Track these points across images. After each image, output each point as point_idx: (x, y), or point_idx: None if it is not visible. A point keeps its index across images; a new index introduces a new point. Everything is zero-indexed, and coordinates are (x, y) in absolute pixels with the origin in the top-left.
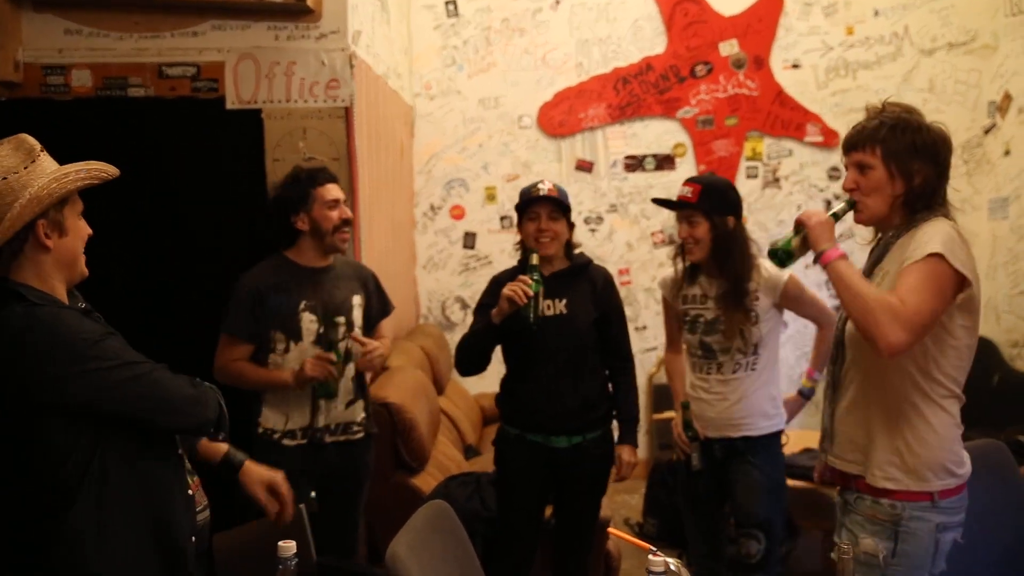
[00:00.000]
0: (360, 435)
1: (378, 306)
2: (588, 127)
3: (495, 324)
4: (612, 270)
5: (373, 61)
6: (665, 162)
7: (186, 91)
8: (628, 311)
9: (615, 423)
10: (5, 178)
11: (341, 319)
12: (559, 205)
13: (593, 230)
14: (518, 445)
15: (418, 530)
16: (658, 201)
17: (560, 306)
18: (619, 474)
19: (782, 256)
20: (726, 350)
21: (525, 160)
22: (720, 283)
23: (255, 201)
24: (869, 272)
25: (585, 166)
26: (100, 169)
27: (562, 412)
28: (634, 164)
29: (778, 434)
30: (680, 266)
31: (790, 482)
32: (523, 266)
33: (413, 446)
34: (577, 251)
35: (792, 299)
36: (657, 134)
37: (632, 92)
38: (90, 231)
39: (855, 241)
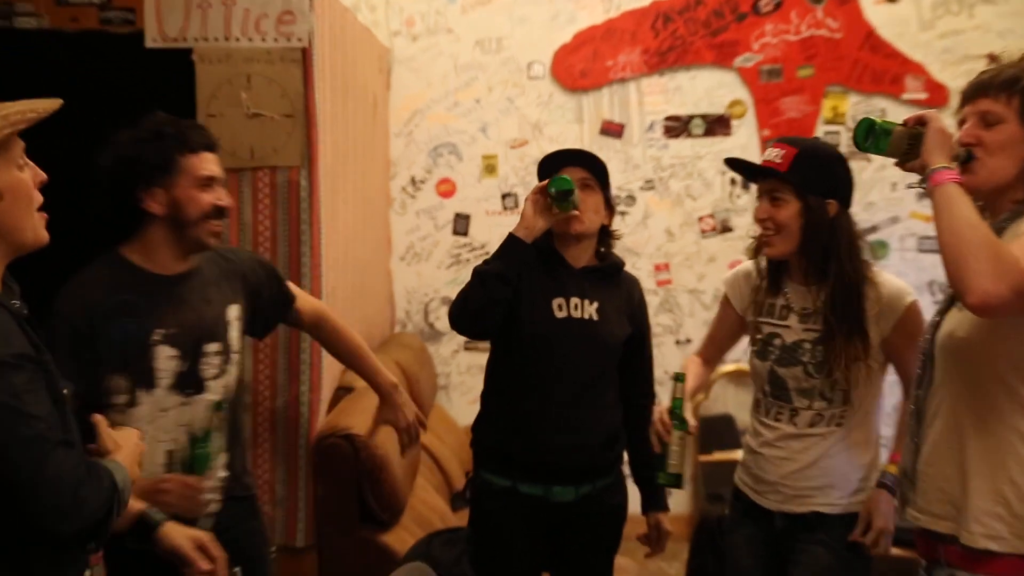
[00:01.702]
0: (214, 505)
1: (272, 301)
2: (618, 79)
3: (523, 242)
4: (647, 266)
5: None
6: (718, 125)
7: (92, 23)
8: (667, 320)
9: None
10: None
11: (214, 347)
12: (596, 168)
13: (623, 213)
14: (507, 501)
15: None
16: (734, 163)
17: (590, 309)
18: (654, 548)
19: (877, 135)
20: (805, 392)
21: (535, 120)
22: (817, 292)
23: None
24: None
25: (614, 130)
26: (35, 107)
27: (575, 448)
28: (677, 128)
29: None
30: (762, 264)
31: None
32: (551, 259)
33: (384, 492)
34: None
35: (906, 336)
36: (708, 88)
37: (676, 33)
38: (43, 176)
39: None
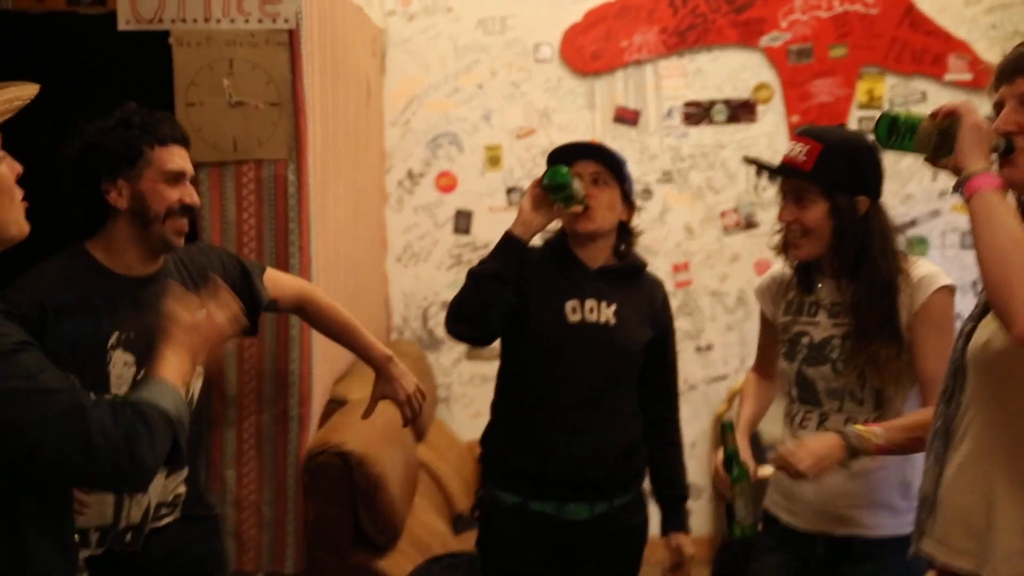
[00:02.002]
0: (168, 519)
1: (247, 306)
2: (633, 61)
3: (521, 240)
4: (665, 265)
5: None
6: (742, 111)
7: (59, 3)
8: (687, 324)
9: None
10: None
11: None
12: (610, 161)
13: (638, 208)
14: (518, 519)
15: None
16: (755, 163)
17: (607, 313)
18: (675, 574)
19: (902, 132)
20: (835, 392)
21: (543, 107)
22: (846, 287)
23: None
24: None
25: (628, 117)
26: (12, 96)
27: (590, 459)
28: (698, 114)
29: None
30: (791, 266)
31: None
32: (565, 259)
33: (380, 514)
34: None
35: (927, 323)
36: (731, 71)
37: (696, 10)
38: (20, 168)
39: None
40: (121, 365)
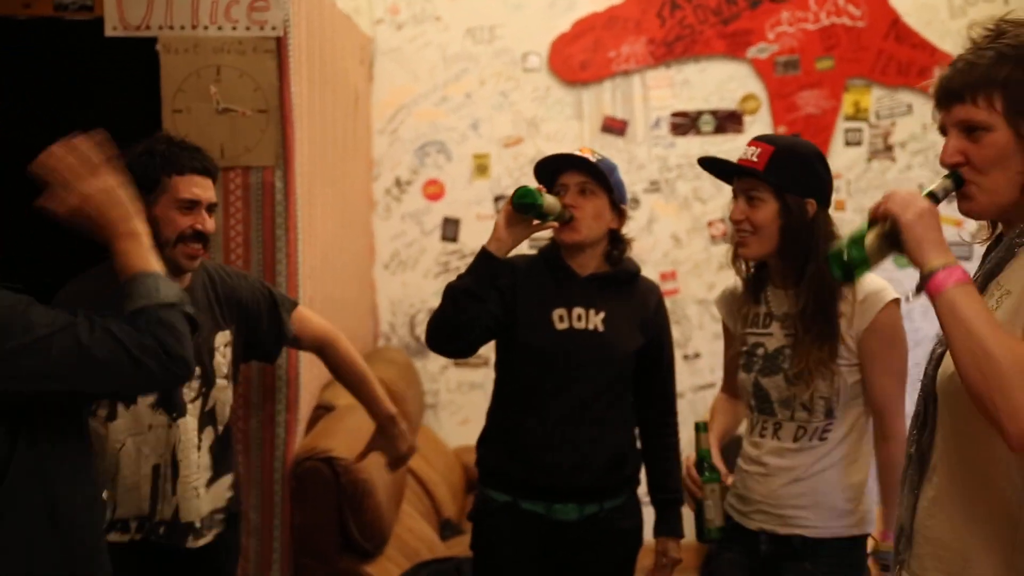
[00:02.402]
0: (221, 528)
1: (270, 334)
2: (621, 71)
3: (495, 257)
4: (653, 274)
5: None
6: (729, 121)
7: (46, 9)
8: (675, 332)
9: (642, 486)
10: None
11: (195, 371)
12: (596, 171)
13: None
14: (507, 518)
15: None
16: (708, 163)
17: (596, 320)
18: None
19: (853, 261)
20: (788, 403)
21: (531, 116)
22: (796, 296)
23: None
24: (981, 289)
25: (616, 126)
26: None
27: (576, 468)
28: (685, 124)
29: (857, 541)
30: (743, 273)
31: None
32: (555, 266)
33: (368, 520)
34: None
35: (877, 340)
36: (719, 82)
37: (683, 22)
38: None
39: (960, 235)
40: None
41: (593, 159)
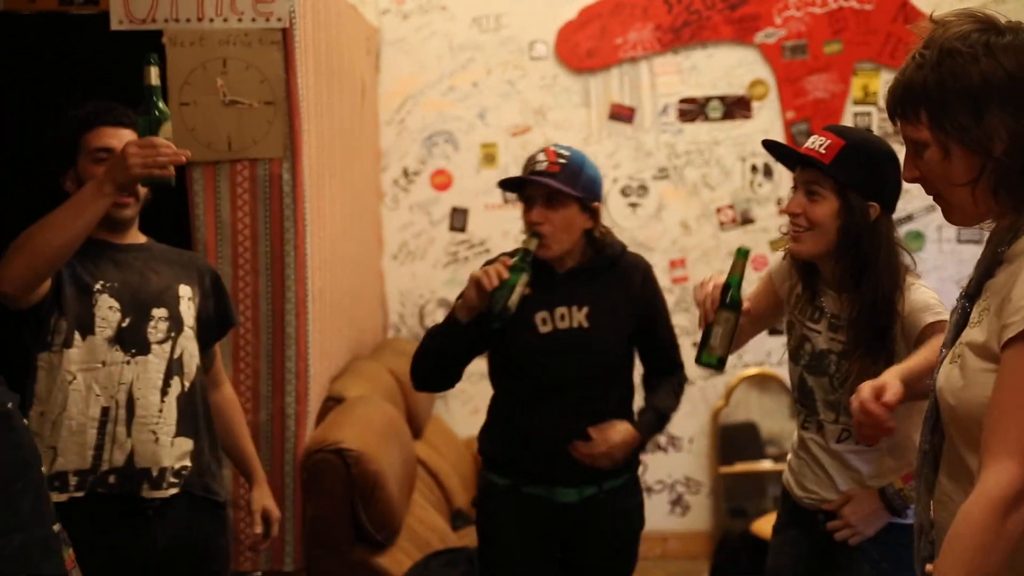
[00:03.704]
0: (172, 491)
1: (214, 317)
2: (628, 58)
3: (460, 322)
4: (662, 261)
5: None
6: (737, 107)
7: (51, 3)
8: (684, 320)
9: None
10: None
11: (160, 312)
12: (560, 187)
13: (634, 204)
14: (509, 501)
15: None
16: (773, 146)
17: (579, 317)
18: (591, 450)
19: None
20: (831, 405)
21: (538, 105)
22: (852, 302)
23: None
24: (976, 291)
25: (624, 114)
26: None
27: (576, 466)
28: (693, 111)
29: (906, 528)
30: (797, 263)
31: None
32: (537, 276)
33: (379, 511)
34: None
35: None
36: (726, 67)
37: (690, 7)
38: None
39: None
40: (106, 308)
41: (558, 163)
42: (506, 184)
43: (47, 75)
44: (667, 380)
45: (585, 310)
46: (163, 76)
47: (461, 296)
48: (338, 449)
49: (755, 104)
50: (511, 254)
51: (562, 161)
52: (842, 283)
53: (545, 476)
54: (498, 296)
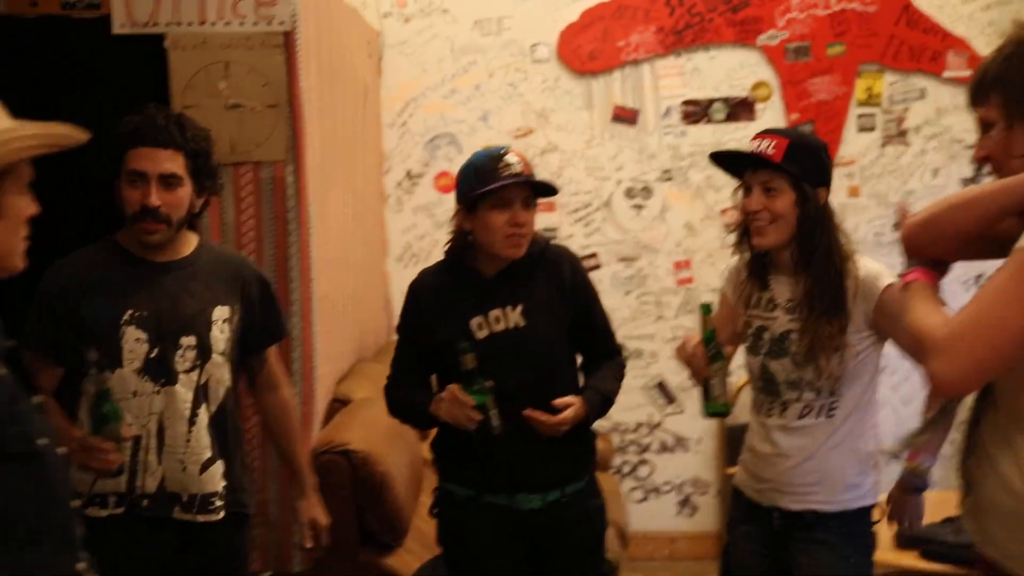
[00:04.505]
0: (218, 515)
1: (261, 324)
2: (630, 60)
3: (434, 418)
4: (667, 263)
5: None
6: (741, 109)
7: (53, 7)
8: (690, 321)
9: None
10: None
11: (189, 340)
12: (539, 189)
13: (639, 207)
14: (472, 511)
15: None
16: (721, 157)
17: (515, 316)
18: (550, 419)
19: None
20: (794, 384)
21: (541, 108)
22: (802, 282)
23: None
24: None
25: (627, 116)
26: (57, 135)
27: (534, 468)
28: (697, 113)
29: (865, 511)
30: (747, 257)
31: (932, 566)
32: (461, 274)
33: (387, 512)
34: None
35: (890, 317)
36: (729, 70)
37: (693, 10)
38: (34, 210)
39: None
40: (132, 341)
41: (532, 172)
42: (538, 188)
43: (48, 78)
44: (607, 365)
45: (519, 308)
46: (165, 79)
47: (401, 328)
48: (344, 451)
49: (759, 106)
50: (463, 380)
51: (528, 168)
52: (798, 265)
53: (506, 484)
54: (485, 422)
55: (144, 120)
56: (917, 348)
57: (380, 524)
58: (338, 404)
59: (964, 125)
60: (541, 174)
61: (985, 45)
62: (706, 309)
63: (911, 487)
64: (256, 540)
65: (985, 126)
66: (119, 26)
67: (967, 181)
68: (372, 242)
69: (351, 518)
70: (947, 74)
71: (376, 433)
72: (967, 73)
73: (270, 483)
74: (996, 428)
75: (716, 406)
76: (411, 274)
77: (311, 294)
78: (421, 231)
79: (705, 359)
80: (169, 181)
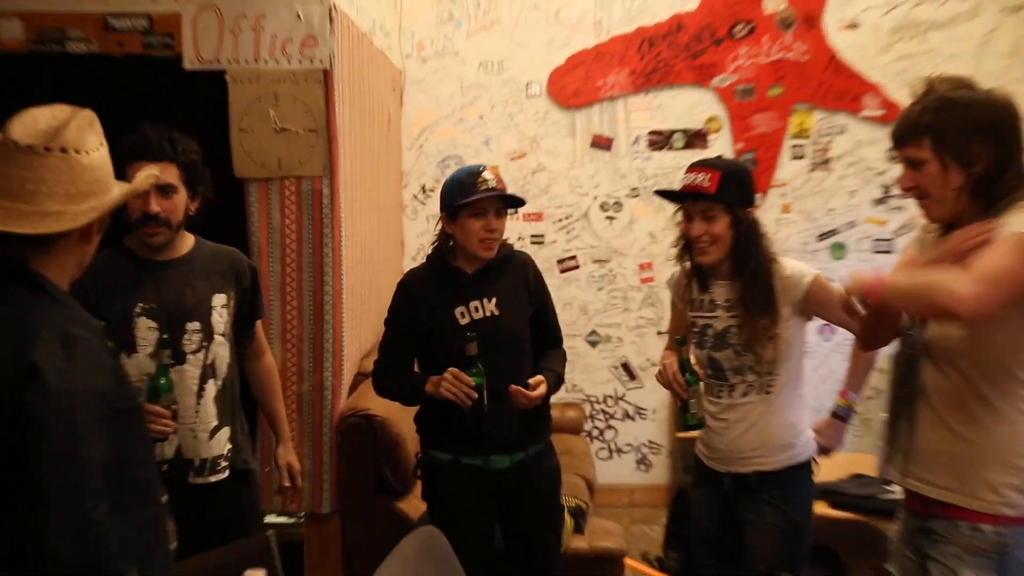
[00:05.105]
0: (225, 474)
1: (251, 305)
2: (607, 97)
3: (430, 396)
4: (632, 265)
5: (356, 15)
6: (696, 139)
7: (136, 47)
8: (650, 313)
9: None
10: (102, 145)
11: (194, 326)
12: (509, 201)
13: (611, 218)
14: (453, 472)
15: (406, 559)
16: (665, 194)
17: (490, 306)
18: (528, 394)
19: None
20: (739, 369)
21: (533, 135)
22: (737, 286)
23: (217, 180)
24: None
25: (603, 143)
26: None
27: (502, 426)
28: (660, 141)
29: (802, 467)
30: (688, 267)
31: (838, 514)
32: (445, 272)
33: (399, 466)
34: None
35: (820, 304)
36: (688, 106)
37: (659, 56)
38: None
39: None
40: (144, 329)
41: (505, 187)
42: (509, 200)
43: (132, 105)
44: (556, 352)
45: (494, 300)
46: (226, 107)
47: (390, 321)
48: (366, 415)
49: (711, 137)
50: (464, 364)
51: (501, 184)
52: (733, 273)
53: (480, 447)
54: (481, 401)
55: (139, 137)
56: (934, 287)
57: (394, 475)
58: (361, 377)
59: (876, 156)
60: (532, 190)
61: (895, 90)
62: (681, 341)
63: (839, 415)
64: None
65: (913, 164)
66: (189, 63)
67: (877, 201)
68: (392, 244)
69: (370, 469)
70: (864, 113)
71: (392, 402)
72: (880, 113)
73: (305, 440)
74: (947, 395)
75: (693, 420)
76: None
77: (341, 287)
78: (432, 236)
79: (683, 384)
80: (166, 190)
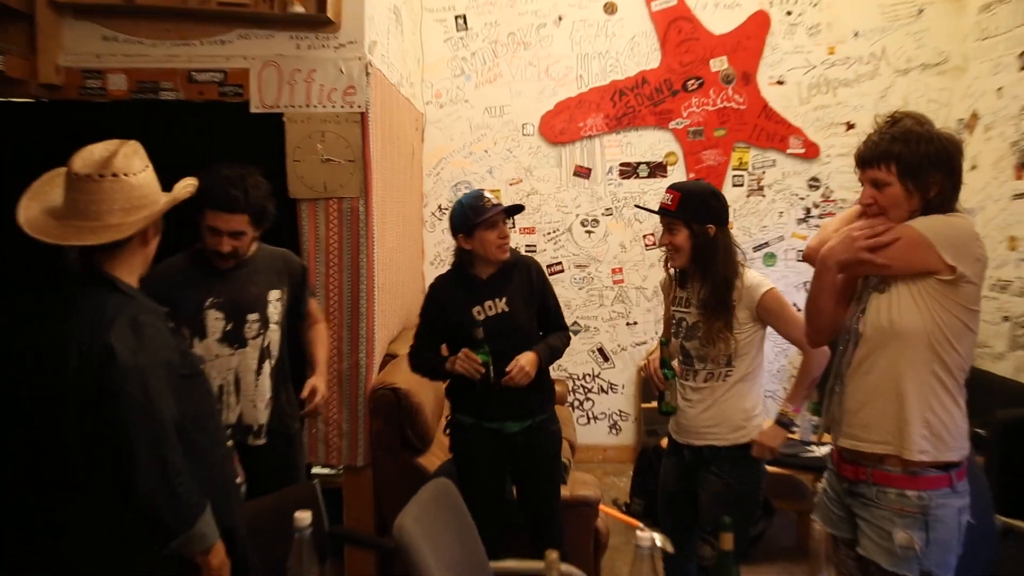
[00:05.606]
0: (262, 441)
1: (301, 293)
2: (587, 135)
3: (449, 372)
4: (606, 270)
5: (387, 70)
6: (658, 169)
7: (213, 95)
8: (620, 308)
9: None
10: (147, 166)
11: (254, 316)
12: (511, 211)
13: (589, 232)
14: (474, 432)
15: (423, 503)
16: (642, 208)
17: (501, 304)
18: (511, 374)
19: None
20: (702, 358)
21: (527, 165)
22: (703, 289)
23: (275, 200)
24: (880, 286)
25: (583, 172)
26: (194, 185)
27: (512, 400)
28: (629, 171)
29: (748, 446)
30: (672, 269)
31: (769, 468)
32: (465, 278)
33: (419, 428)
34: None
35: (770, 314)
36: (650, 143)
37: (628, 104)
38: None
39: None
40: (213, 319)
41: (498, 200)
42: (510, 210)
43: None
44: (556, 333)
45: (505, 299)
46: (283, 142)
47: (423, 314)
48: (393, 388)
49: (669, 168)
50: (473, 346)
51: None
52: (703, 277)
53: (498, 415)
54: (486, 374)
55: (218, 184)
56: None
57: (415, 436)
58: (389, 358)
59: (800, 184)
60: (526, 209)
61: (813, 133)
62: (665, 342)
63: (782, 423)
64: (334, 445)
65: (877, 184)
66: (255, 107)
67: (800, 220)
68: (414, 251)
69: (396, 431)
70: (789, 151)
71: (414, 377)
72: (802, 150)
73: (344, 407)
74: (879, 371)
75: (667, 408)
76: (439, 272)
77: (373, 285)
78: (447, 244)
79: (662, 378)
80: (236, 235)
